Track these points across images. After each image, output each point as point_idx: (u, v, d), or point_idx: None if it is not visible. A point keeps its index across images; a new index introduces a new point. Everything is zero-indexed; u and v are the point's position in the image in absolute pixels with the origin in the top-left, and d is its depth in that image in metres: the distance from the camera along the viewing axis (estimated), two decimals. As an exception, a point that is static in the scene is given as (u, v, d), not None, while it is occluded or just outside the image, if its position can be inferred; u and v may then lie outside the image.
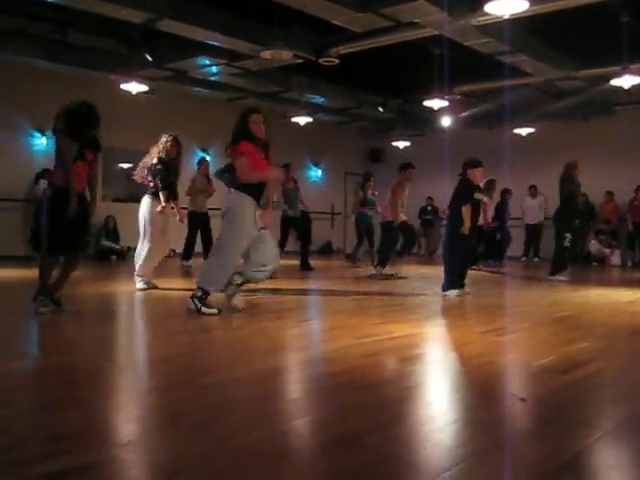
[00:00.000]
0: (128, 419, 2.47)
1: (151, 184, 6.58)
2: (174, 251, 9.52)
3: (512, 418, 2.45)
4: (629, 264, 12.80)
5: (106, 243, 11.92)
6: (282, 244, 9.33)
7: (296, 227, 9.96)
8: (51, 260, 4.83)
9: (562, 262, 8.59)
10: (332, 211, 16.97)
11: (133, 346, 4.15)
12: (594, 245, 13.25)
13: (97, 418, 2.38)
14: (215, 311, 4.89)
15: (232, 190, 5.08)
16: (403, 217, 8.96)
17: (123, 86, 10.55)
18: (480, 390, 2.90)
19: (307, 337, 4.41)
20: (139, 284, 6.58)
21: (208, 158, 12.12)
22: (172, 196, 6.74)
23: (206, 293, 4.94)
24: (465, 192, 6.45)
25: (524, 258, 14.10)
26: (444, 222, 15.73)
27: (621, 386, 3.11)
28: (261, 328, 4.55)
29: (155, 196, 6.58)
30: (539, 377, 3.16)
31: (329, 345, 3.94)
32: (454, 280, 6.48)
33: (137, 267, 6.62)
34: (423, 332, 4.51)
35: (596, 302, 6.39)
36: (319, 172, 17.02)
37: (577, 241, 9.82)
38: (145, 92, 10.88)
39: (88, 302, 6.07)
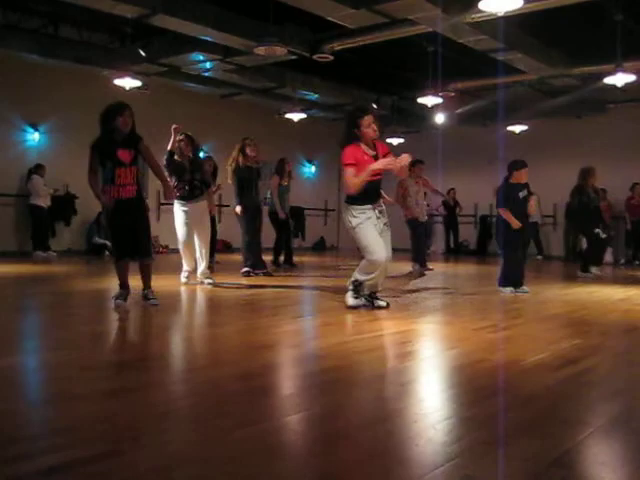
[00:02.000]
0: (125, 414, 2.47)
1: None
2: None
3: (505, 415, 2.46)
4: (622, 261, 12.85)
5: (99, 240, 11.75)
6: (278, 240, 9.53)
7: (282, 223, 9.41)
8: (119, 263, 5.09)
9: (597, 256, 8.97)
10: (325, 207, 16.98)
11: (128, 343, 4.14)
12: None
13: (93, 413, 2.38)
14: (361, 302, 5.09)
15: (345, 204, 4.98)
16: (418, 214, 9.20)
17: (116, 81, 10.48)
18: (473, 387, 2.91)
19: (301, 333, 4.41)
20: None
21: (202, 155, 12.09)
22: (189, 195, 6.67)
23: (358, 285, 5.05)
24: (501, 196, 6.69)
25: None
26: (438, 219, 15.88)
27: (613, 383, 3.12)
28: (255, 324, 4.54)
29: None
30: (532, 374, 3.17)
31: (323, 342, 3.95)
32: (509, 277, 6.67)
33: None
34: (417, 329, 4.52)
35: (588, 299, 6.42)
36: (313, 168, 17.01)
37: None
38: (138, 88, 10.82)
39: (79, 299, 6.05)
